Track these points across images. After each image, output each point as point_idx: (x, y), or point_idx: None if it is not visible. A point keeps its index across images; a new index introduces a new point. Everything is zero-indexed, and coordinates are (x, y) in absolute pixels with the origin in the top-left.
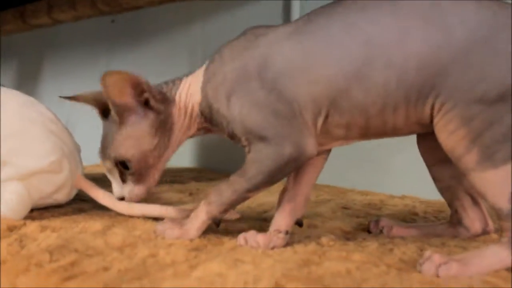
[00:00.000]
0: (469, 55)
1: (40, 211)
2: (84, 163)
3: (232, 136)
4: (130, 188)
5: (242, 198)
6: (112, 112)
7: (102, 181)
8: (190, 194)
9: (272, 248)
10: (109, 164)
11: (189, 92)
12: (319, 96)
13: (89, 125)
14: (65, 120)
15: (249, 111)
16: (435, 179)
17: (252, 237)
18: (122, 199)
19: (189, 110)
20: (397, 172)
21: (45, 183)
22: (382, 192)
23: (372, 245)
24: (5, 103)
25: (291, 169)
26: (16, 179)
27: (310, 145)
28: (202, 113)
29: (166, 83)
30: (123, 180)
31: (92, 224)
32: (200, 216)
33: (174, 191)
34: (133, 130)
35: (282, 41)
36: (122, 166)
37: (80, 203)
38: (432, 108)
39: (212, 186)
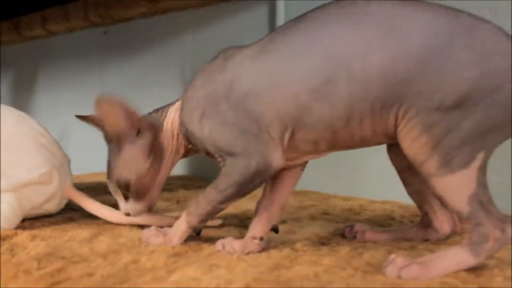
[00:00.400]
0: (426, 64)
1: (31, 221)
2: (78, 172)
3: (208, 154)
4: (132, 205)
5: (217, 208)
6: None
7: (94, 190)
8: (177, 202)
9: (248, 253)
10: (112, 185)
11: (174, 118)
12: (284, 113)
13: (83, 135)
14: (60, 129)
15: (218, 131)
16: (405, 184)
17: (229, 243)
18: (128, 214)
19: (175, 135)
20: (379, 177)
21: (36, 194)
22: (364, 197)
23: (344, 249)
24: None
25: (259, 181)
26: (8, 190)
27: (276, 159)
28: (183, 136)
29: (157, 110)
30: (126, 198)
31: (80, 233)
32: (181, 226)
33: (162, 199)
34: (128, 156)
35: (247, 62)
36: (123, 187)
37: (70, 212)
38: (396, 117)
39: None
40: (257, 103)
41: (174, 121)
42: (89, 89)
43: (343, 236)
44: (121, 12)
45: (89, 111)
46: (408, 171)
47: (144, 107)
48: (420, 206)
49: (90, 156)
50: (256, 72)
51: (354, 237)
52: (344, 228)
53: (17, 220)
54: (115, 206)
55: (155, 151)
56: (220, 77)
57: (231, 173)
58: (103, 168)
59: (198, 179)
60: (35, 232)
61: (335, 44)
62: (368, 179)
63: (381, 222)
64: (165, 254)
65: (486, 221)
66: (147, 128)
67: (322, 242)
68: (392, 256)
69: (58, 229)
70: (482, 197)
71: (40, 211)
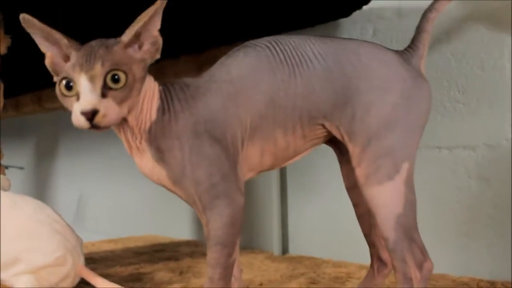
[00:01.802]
0: (330, 81)
1: None
2: (94, 235)
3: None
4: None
5: (230, 266)
6: None
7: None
8: (180, 273)
9: None
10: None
11: None
12: (245, 122)
13: (100, 199)
14: (78, 195)
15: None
16: (354, 205)
17: None
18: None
19: None
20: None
21: (52, 275)
22: (355, 262)
23: None
24: (19, 208)
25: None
26: (28, 272)
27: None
28: None
29: None
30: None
31: None
32: None
33: (167, 270)
34: None
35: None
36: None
37: (83, 286)
38: (323, 126)
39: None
40: (218, 126)
41: None
42: (105, 156)
43: None
44: None
45: (104, 176)
46: (356, 189)
47: None
48: (366, 235)
49: (106, 219)
50: (224, 83)
51: None
52: None
53: None
54: (121, 280)
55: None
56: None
57: (220, 212)
58: (116, 230)
59: (204, 245)
60: None
61: (267, 75)
62: (359, 243)
63: None
64: None
65: (408, 258)
66: None
67: None
68: None
69: None
70: (408, 220)
71: None
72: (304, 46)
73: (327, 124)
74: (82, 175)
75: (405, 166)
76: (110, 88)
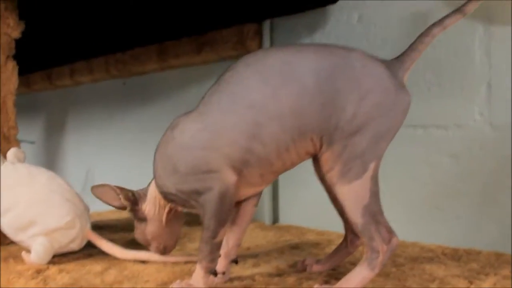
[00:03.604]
0: (320, 95)
1: (59, 257)
2: (101, 208)
3: (184, 206)
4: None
5: (214, 244)
6: None
7: (112, 227)
8: None
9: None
10: None
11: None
12: (232, 157)
13: (106, 173)
14: (86, 168)
15: (182, 183)
16: (326, 190)
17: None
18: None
19: (157, 197)
20: None
21: (63, 237)
22: (337, 231)
23: (291, 279)
24: (34, 177)
25: (228, 203)
26: (42, 234)
27: (229, 177)
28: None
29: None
30: None
31: (95, 267)
32: (199, 273)
33: None
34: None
35: (190, 126)
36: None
37: (90, 249)
38: (312, 139)
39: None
40: (206, 155)
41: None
42: (112, 132)
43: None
44: (137, 67)
45: (110, 151)
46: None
47: None
48: (341, 214)
49: None
50: (198, 132)
51: (305, 269)
52: (297, 262)
53: (48, 257)
54: (125, 244)
55: (141, 215)
56: (170, 145)
57: (206, 208)
58: None
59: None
60: (62, 266)
61: (252, 96)
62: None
63: None
64: (155, 283)
65: (376, 236)
66: (130, 201)
67: (279, 274)
68: (316, 286)
69: (79, 264)
70: (373, 207)
71: (66, 249)
72: (296, 60)
73: (314, 137)
74: (90, 149)
75: (372, 165)
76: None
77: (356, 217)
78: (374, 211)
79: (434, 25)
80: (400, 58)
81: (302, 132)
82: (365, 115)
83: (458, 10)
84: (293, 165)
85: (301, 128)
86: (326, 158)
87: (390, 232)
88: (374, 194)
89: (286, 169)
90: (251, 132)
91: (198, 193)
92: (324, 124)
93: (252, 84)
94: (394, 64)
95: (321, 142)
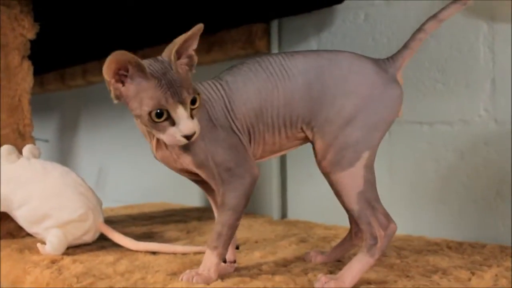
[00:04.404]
0: (309, 91)
1: (73, 249)
2: (113, 202)
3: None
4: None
5: (235, 228)
6: None
7: (123, 222)
8: (188, 232)
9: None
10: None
11: None
12: (248, 123)
13: (118, 171)
14: (98, 166)
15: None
16: (336, 194)
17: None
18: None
19: None
20: None
21: (77, 229)
22: (345, 225)
23: (296, 270)
24: (49, 172)
25: (252, 190)
26: (56, 226)
27: (256, 168)
28: None
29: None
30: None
31: (108, 257)
32: (213, 260)
33: (176, 230)
34: None
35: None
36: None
37: (102, 242)
38: (302, 128)
39: (208, 223)
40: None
41: None
42: (123, 131)
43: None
44: None
45: (122, 149)
46: None
47: None
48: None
49: (124, 189)
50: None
51: (310, 261)
52: (304, 254)
53: (63, 249)
54: (136, 238)
55: None
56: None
57: (235, 187)
58: (134, 199)
59: (211, 211)
60: (76, 257)
61: (260, 84)
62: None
63: None
64: (165, 273)
65: (373, 221)
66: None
67: (285, 264)
68: (320, 275)
69: (92, 255)
70: (369, 195)
71: (80, 241)
72: (289, 63)
73: (304, 127)
74: (102, 147)
75: (365, 155)
76: (191, 109)
77: (352, 203)
78: (369, 198)
79: (428, 19)
80: (393, 56)
81: (294, 121)
82: (353, 107)
83: (455, 1)
84: (281, 148)
85: (292, 117)
86: (319, 147)
87: (388, 218)
88: (369, 182)
89: (273, 151)
90: (258, 109)
91: (227, 169)
92: (313, 115)
93: (259, 76)
94: (385, 62)
95: (313, 132)
